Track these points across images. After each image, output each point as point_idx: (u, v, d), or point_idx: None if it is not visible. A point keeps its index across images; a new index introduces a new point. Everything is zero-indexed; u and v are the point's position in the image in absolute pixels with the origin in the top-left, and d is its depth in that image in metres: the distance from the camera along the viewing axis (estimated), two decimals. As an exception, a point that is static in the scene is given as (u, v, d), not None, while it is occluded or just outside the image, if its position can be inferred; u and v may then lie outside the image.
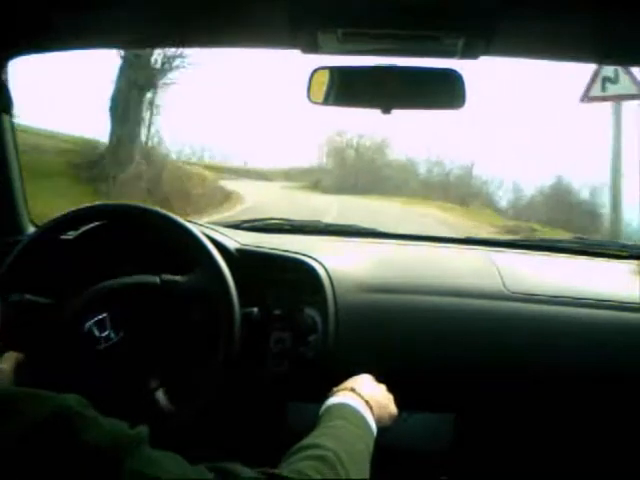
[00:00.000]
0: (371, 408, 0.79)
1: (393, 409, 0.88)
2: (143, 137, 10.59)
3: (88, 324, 0.90)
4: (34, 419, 0.41)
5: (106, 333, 0.91)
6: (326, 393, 0.86)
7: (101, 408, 0.46)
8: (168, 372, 0.96)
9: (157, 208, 1.02)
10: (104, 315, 0.91)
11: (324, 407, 0.78)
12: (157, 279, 0.96)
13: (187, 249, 0.99)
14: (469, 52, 0.84)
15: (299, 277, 1.13)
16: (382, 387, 0.90)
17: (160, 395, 0.93)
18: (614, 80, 4.51)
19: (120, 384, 0.92)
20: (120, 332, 0.92)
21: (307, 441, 0.67)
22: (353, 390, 0.81)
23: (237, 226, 1.39)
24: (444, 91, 0.90)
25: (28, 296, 0.96)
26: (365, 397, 0.80)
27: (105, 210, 1.05)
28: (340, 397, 0.80)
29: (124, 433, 0.44)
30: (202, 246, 0.97)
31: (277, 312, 1.12)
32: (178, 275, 0.97)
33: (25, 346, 0.93)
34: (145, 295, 0.96)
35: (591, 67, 4.47)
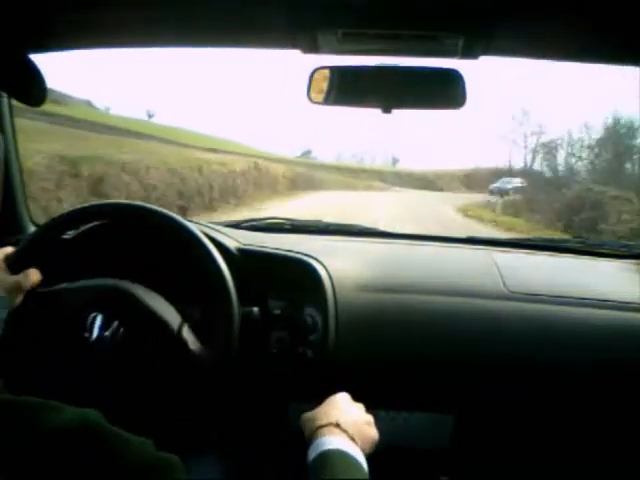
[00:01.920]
0: (356, 443, 0.74)
1: (373, 434, 0.81)
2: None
3: (89, 323, 0.90)
4: (57, 430, 0.41)
5: (107, 332, 0.91)
6: (325, 393, 0.86)
7: (107, 409, 0.46)
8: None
9: (157, 207, 1.02)
10: (103, 314, 0.91)
11: (318, 453, 0.71)
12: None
13: (187, 248, 0.99)
14: (469, 52, 0.84)
15: (299, 277, 1.13)
16: (360, 408, 0.85)
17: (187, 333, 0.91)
18: None
19: (123, 380, 0.92)
20: (120, 331, 0.92)
21: None
22: (338, 426, 0.75)
23: (238, 225, 1.39)
24: (445, 91, 0.90)
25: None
26: (350, 432, 0.75)
27: (105, 209, 1.05)
28: (332, 439, 0.73)
29: (154, 454, 0.45)
30: (202, 245, 0.97)
31: (277, 312, 1.12)
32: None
33: (26, 346, 0.93)
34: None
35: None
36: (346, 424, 0.76)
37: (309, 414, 0.81)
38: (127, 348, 0.89)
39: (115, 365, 0.89)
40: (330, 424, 0.76)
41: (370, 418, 0.84)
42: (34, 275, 0.93)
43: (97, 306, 0.91)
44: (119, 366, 0.89)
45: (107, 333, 0.89)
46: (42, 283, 0.98)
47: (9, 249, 0.96)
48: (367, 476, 0.70)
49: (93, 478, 0.40)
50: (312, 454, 0.71)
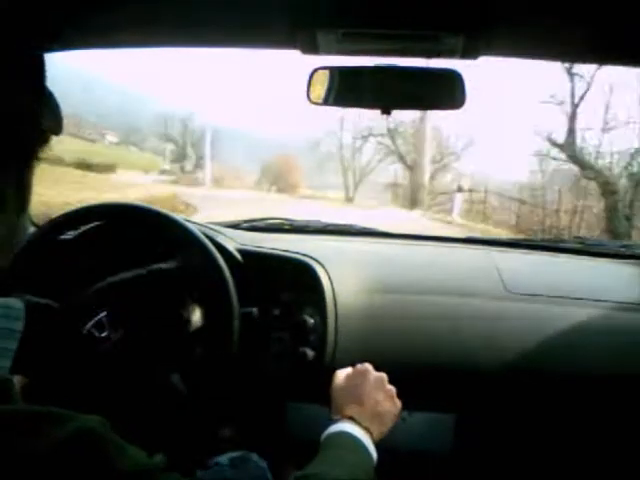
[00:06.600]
0: (371, 433, 0.79)
1: (394, 408, 0.87)
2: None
3: (87, 326, 0.90)
4: (58, 439, 0.42)
5: (105, 333, 0.91)
6: (326, 393, 0.86)
7: (109, 411, 0.47)
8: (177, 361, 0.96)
9: (155, 207, 1.02)
10: (101, 315, 0.91)
11: (324, 436, 0.77)
12: (143, 271, 0.97)
13: (185, 247, 0.99)
14: (469, 52, 0.84)
15: (299, 277, 1.13)
16: (381, 387, 0.88)
17: (176, 379, 0.93)
18: None
19: (128, 379, 0.92)
20: (119, 331, 0.92)
21: (307, 470, 0.67)
22: (352, 419, 0.79)
23: (237, 226, 1.39)
24: (444, 91, 0.90)
25: (29, 297, 0.96)
26: (365, 424, 0.79)
27: (105, 209, 1.05)
28: (339, 426, 0.78)
29: (146, 461, 0.46)
30: (202, 246, 0.97)
31: (277, 312, 1.12)
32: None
33: (27, 347, 0.93)
34: (136, 290, 0.96)
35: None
36: (360, 417, 0.80)
37: (339, 395, 0.85)
38: (116, 357, 0.90)
39: (102, 363, 0.90)
40: (344, 416, 0.80)
41: (390, 392, 0.88)
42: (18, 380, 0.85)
43: (110, 306, 0.92)
44: (105, 365, 0.91)
45: (105, 333, 0.90)
46: (41, 283, 0.98)
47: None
48: (370, 457, 0.75)
49: None
50: (321, 440, 0.77)
